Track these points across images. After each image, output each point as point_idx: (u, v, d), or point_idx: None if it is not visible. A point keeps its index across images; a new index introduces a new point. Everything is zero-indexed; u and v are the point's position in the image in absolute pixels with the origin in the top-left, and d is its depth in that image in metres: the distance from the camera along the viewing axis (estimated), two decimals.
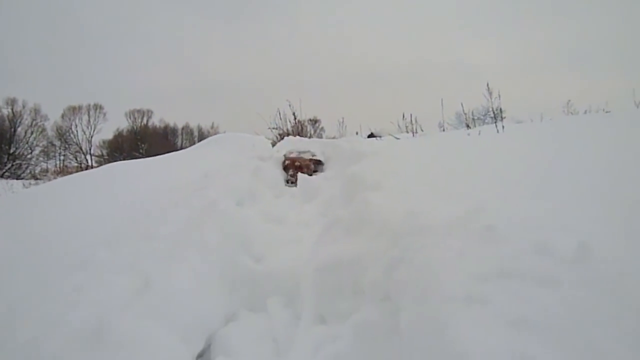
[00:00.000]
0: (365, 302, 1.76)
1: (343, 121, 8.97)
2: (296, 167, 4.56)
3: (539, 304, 1.06)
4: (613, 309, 1.00)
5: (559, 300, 1.06)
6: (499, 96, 12.67)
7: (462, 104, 11.23)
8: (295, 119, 7.75)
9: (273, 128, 7.99)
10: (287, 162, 4.68)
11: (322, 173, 4.27)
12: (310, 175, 4.46)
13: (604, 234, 1.28)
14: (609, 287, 1.07)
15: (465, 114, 13.23)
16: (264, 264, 2.40)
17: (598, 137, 3.12)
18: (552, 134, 3.79)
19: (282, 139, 5.81)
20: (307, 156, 4.70)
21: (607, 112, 7.63)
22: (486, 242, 1.34)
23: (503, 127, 5.16)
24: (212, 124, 46.79)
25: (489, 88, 13.78)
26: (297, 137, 5.79)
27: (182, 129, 48.77)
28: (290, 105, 9.60)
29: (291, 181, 4.44)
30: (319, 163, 4.72)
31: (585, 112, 8.58)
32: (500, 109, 13.57)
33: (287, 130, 7.65)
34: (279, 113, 8.37)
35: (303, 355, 1.79)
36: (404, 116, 10.95)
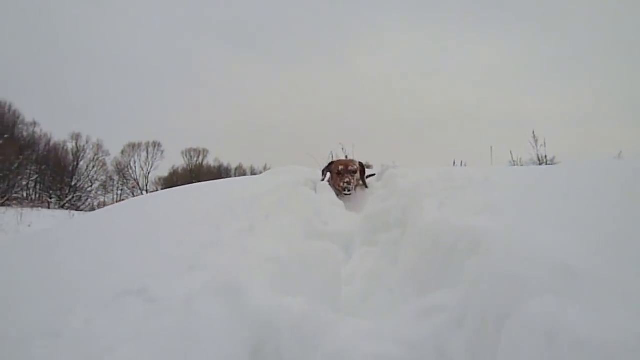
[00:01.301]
0: (391, 230, 3.25)
1: (394, 164, 10.04)
2: (349, 172, 4.46)
3: (456, 196, 2.57)
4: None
5: (466, 194, 2.57)
6: (545, 144, 13.73)
7: (510, 152, 12.30)
8: None
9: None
10: (340, 167, 4.51)
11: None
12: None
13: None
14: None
15: (514, 161, 14.37)
16: (329, 227, 3.85)
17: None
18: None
19: None
20: (356, 163, 4.66)
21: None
22: (446, 181, 2.87)
23: None
24: (265, 165, 48.99)
25: (534, 136, 14.93)
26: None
27: (236, 169, 51.25)
28: (343, 149, 10.44)
29: (348, 189, 4.38)
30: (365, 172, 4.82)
31: None
32: (546, 156, 14.57)
33: None
34: (332, 155, 8.93)
35: (355, 259, 3.24)
36: (454, 162, 12.05)
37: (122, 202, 5.29)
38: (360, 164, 4.79)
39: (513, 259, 1.41)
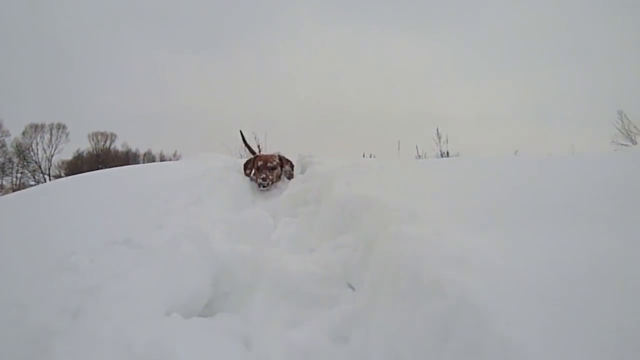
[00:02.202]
0: (309, 205, 4.16)
1: (309, 155, 10.51)
2: (269, 169, 4.89)
3: (359, 178, 3.52)
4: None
5: (366, 177, 3.53)
6: (447, 141, 15.24)
7: (416, 147, 13.66)
8: (260, 151, 8.18)
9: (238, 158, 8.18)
10: (259, 162, 4.91)
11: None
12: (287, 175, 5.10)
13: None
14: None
15: (419, 155, 15.85)
16: (256, 204, 4.73)
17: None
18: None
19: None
20: (276, 159, 5.01)
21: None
22: (352, 167, 3.82)
23: None
24: (175, 152, 48.34)
25: (438, 133, 16.48)
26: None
27: (144, 155, 50.09)
28: (255, 138, 10.89)
29: (263, 185, 4.80)
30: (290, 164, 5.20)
31: None
32: (448, 152, 16.17)
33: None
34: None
35: (280, 227, 4.11)
36: (364, 155, 13.08)
37: (73, 177, 5.86)
38: (281, 158, 5.14)
39: (387, 211, 2.38)
